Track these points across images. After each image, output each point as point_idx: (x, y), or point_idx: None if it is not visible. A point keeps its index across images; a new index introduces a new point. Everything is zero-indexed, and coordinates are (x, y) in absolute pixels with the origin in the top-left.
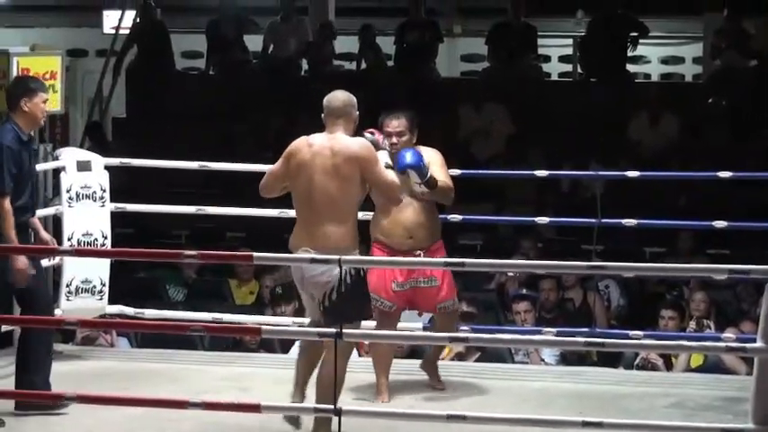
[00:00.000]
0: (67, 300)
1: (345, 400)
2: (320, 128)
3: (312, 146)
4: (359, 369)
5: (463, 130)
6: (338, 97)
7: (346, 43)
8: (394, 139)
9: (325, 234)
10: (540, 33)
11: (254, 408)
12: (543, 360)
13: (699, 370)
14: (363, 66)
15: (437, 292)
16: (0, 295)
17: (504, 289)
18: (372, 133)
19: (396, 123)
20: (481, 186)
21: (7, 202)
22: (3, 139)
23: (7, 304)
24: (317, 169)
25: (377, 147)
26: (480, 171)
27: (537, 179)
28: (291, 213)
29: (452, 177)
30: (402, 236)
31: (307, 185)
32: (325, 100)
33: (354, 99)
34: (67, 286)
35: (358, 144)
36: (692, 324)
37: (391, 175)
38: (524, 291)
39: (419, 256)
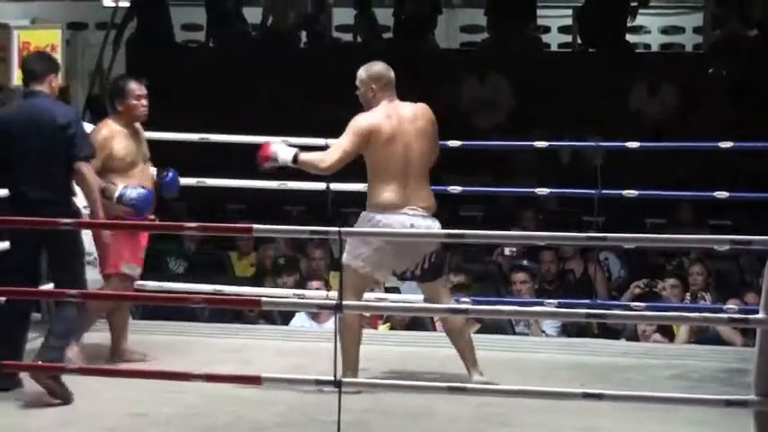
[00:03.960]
0: None
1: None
2: (317, 98)
3: (391, 116)
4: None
5: (465, 101)
6: (388, 68)
7: (346, 15)
8: (144, 102)
9: (427, 195)
10: (539, 4)
11: (255, 380)
12: (544, 332)
13: (697, 341)
14: (359, 38)
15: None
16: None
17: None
18: None
19: (139, 87)
20: (482, 158)
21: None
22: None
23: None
24: (411, 135)
25: None
26: (481, 142)
27: (537, 150)
28: (291, 185)
29: (453, 149)
30: None
31: (403, 151)
32: (379, 72)
33: None
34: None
35: (424, 107)
36: (688, 296)
37: None
38: (525, 262)
39: (154, 219)
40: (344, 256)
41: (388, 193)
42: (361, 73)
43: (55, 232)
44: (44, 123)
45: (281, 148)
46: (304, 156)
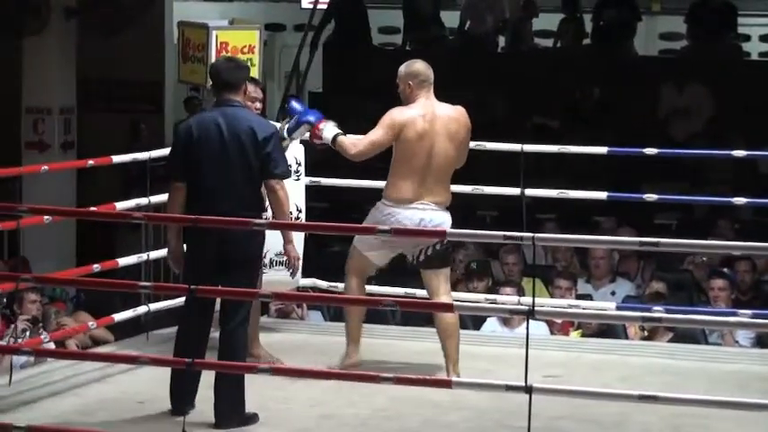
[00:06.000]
0: (262, 272)
1: (534, 377)
2: (515, 104)
3: (426, 114)
4: (552, 346)
5: (663, 109)
6: (427, 66)
7: (544, 20)
8: (258, 105)
9: (442, 192)
10: (739, 12)
11: (446, 383)
12: (737, 342)
13: None
14: (560, 43)
15: None
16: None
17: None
18: None
19: (255, 89)
20: (678, 166)
21: None
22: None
23: None
24: (441, 136)
25: None
26: (679, 151)
27: (735, 160)
28: (487, 190)
29: (650, 157)
30: None
31: (428, 150)
32: (417, 70)
33: None
34: (262, 259)
35: (462, 110)
36: None
37: None
38: (725, 269)
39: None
40: (356, 239)
41: (403, 189)
42: (401, 70)
43: (238, 242)
44: (245, 136)
45: (327, 127)
46: (341, 138)
